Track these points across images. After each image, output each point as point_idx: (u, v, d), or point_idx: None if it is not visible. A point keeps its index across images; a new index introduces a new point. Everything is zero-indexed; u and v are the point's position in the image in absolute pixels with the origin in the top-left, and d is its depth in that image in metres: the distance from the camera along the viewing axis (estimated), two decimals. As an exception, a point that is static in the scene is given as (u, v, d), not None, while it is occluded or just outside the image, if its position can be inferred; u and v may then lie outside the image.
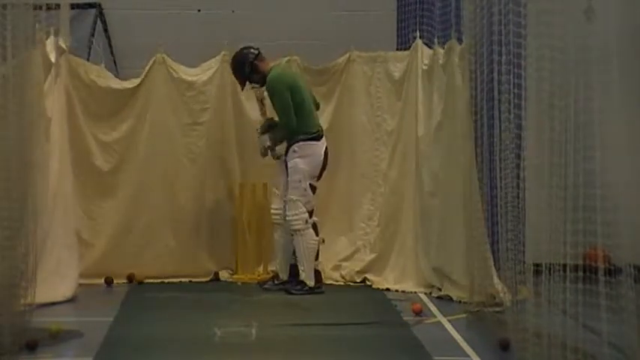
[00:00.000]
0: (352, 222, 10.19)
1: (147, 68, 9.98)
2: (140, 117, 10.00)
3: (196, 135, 10.08)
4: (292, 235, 9.34)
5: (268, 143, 9.44)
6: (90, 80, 9.84)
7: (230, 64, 9.65)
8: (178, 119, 10.06)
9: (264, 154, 9.55)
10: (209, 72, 10.07)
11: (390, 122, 10.11)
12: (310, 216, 9.33)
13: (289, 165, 9.34)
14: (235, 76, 9.60)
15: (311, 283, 9.36)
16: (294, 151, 9.34)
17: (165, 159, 10.04)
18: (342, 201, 10.23)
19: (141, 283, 9.77)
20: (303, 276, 9.35)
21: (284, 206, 9.36)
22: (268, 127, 9.50)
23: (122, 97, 9.98)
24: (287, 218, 9.31)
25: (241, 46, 9.55)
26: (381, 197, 10.10)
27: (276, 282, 9.60)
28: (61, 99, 9.22)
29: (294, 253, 9.44)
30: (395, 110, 10.08)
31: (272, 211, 9.56)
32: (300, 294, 9.28)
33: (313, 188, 9.38)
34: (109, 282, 9.78)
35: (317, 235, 9.44)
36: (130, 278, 9.81)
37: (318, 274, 9.48)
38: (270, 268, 10.02)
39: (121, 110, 9.99)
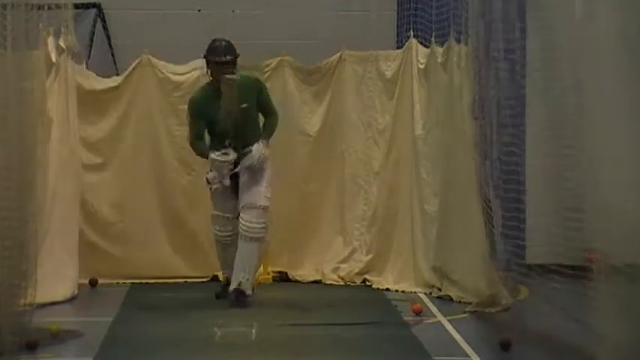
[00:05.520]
0: (346, 223, 10.14)
1: (129, 69, 9.99)
2: (125, 118, 10.00)
3: (185, 136, 10.04)
4: (248, 241, 8.74)
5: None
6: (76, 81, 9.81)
7: (228, 43, 8.90)
8: (165, 120, 10.04)
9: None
10: (196, 72, 9.94)
11: (380, 121, 10.08)
12: None
13: (261, 167, 8.83)
14: (232, 55, 8.85)
15: (250, 291, 8.84)
16: (267, 157, 8.85)
17: (153, 160, 10.05)
18: (335, 201, 10.20)
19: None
20: (247, 285, 8.76)
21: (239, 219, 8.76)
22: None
23: (105, 98, 9.95)
24: (254, 225, 8.74)
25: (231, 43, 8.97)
26: (374, 197, 10.07)
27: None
28: (62, 98, 9.21)
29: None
30: (386, 109, 10.05)
31: (221, 234, 8.97)
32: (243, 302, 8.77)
33: None
34: (93, 283, 9.76)
35: None
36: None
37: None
38: (270, 268, 10.01)
39: (105, 111, 9.96)
